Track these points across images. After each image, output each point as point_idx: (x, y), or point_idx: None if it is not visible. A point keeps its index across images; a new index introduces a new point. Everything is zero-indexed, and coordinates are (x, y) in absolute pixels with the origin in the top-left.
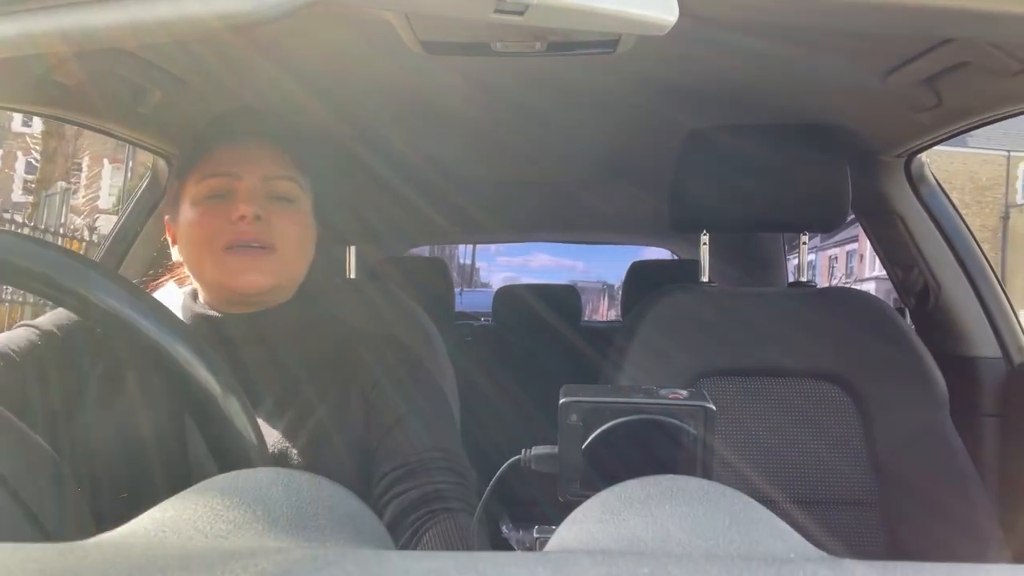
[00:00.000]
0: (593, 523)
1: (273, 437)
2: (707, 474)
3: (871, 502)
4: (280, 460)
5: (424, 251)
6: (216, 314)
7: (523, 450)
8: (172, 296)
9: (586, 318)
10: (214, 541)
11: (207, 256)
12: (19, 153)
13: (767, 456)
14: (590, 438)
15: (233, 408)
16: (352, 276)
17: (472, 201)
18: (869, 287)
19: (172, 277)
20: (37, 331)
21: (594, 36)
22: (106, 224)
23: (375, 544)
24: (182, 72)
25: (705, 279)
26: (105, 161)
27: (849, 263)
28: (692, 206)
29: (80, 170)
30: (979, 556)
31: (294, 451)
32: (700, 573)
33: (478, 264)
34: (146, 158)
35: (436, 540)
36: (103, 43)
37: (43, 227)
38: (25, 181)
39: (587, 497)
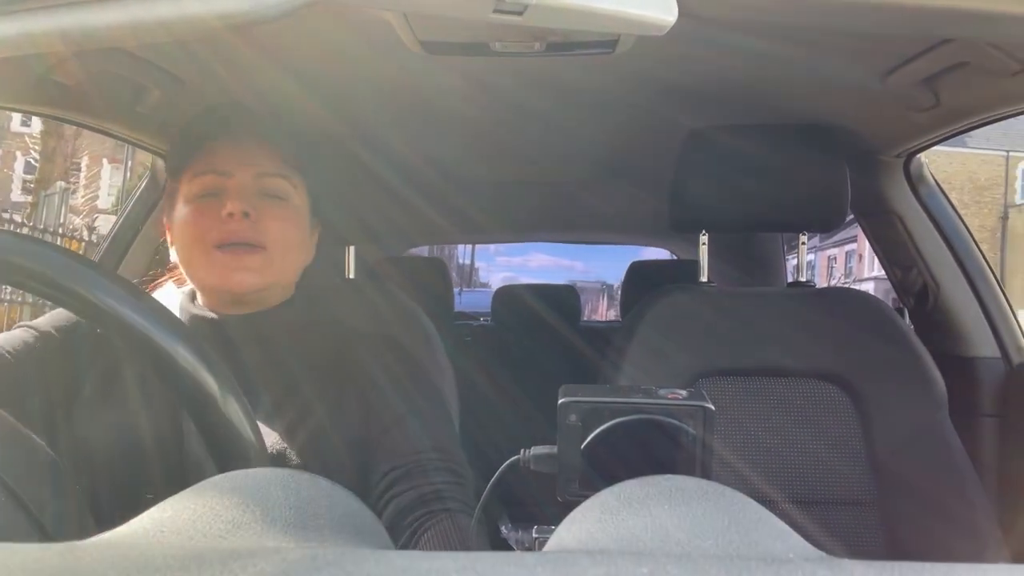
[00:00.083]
0: (592, 523)
1: (272, 437)
2: (706, 474)
3: (870, 502)
4: (279, 460)
5: (423, 251)
6: (213, 315)
7: (522, 450)
8: (170, 297)
9: (585, 318)
10: (213, 541)
11: (198, 255)
12: (18, 153)
13: (766, 456)
14: (589, 438)
15: (232, 408)
16: (351, 276)
17: (471, 201)
18: (868, 287)
19: (171, 278)
20: (35, 332)
21: (593, 36)
22: (105, 224)
23: (374, 544)
24: (181, 72)
25: (704, 279)
26: (104, 161)
27: (848, 263)
28: (692, 206)
29: (79, 170)
30: (978, 556)
31: (293, 451)
32: (699, 573)
33: (477, 264)
34: (145, 158)
35: (435, 540)
36: (102, 43)
37: (42, 227)
38: (24, 181)
39: (586, 497)
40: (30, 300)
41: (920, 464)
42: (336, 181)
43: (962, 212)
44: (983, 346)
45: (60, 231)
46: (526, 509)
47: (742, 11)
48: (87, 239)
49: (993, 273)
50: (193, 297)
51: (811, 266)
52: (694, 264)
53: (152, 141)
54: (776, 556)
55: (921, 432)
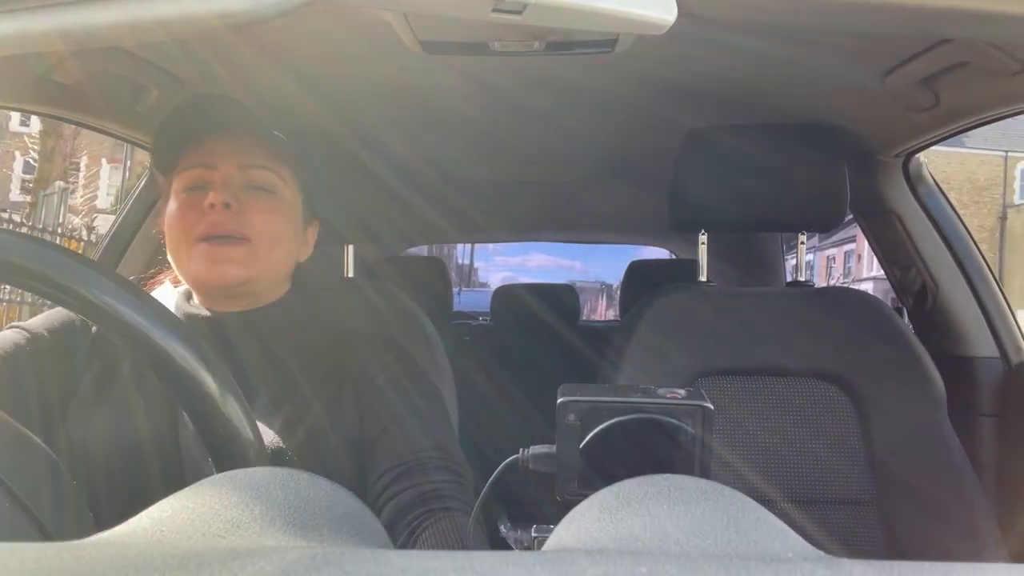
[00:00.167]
0: (591, 522)
1: (269, 435)
2: (705, 473)
3: (869, 501)
4: (276, 458)
5: (422, 250)
6: (208, 313)
7: (521, 449)
8: (167, 295)
9: (584, 318)
10: (213, 540)
11: (184, 248)
12: (17, 153)
13: (765, 455)
14: (588, 437)
15: (232, 408)
16: (350, 275)
17: (471, 201)
18: (866, 287)
19: (168, 276)
20: (26, 333)
21: (592, 35)
22: (104, 224)
23: (374, 543)
24: (180, 71)
25: (703, 279)
26: (103, 160)
27: (847, 263)
28: (691, 206)
29: (78, 170)
30: (976, 555)
31: (291, 449)
32: (698, 572)
33: (476, 264)
34: (144, 157)
35: (434, 539)
36: (101, 42)
37: (41, 227)
38: (23, 181)
39: (585, 496)
40: (29, 300)
41: (919, 464)
42: (335, 180)
43: (961, 212)
44: (982, 346)
45: (59, 231)
46: (525, 508)
47: (741, 11)
48: (86, 239)
49: (992, 273)
50: (189, 296)
51: (809, 266)
52: (693, 264)
53: (151, 141)
54: (775, 555)
55: (920, 432)
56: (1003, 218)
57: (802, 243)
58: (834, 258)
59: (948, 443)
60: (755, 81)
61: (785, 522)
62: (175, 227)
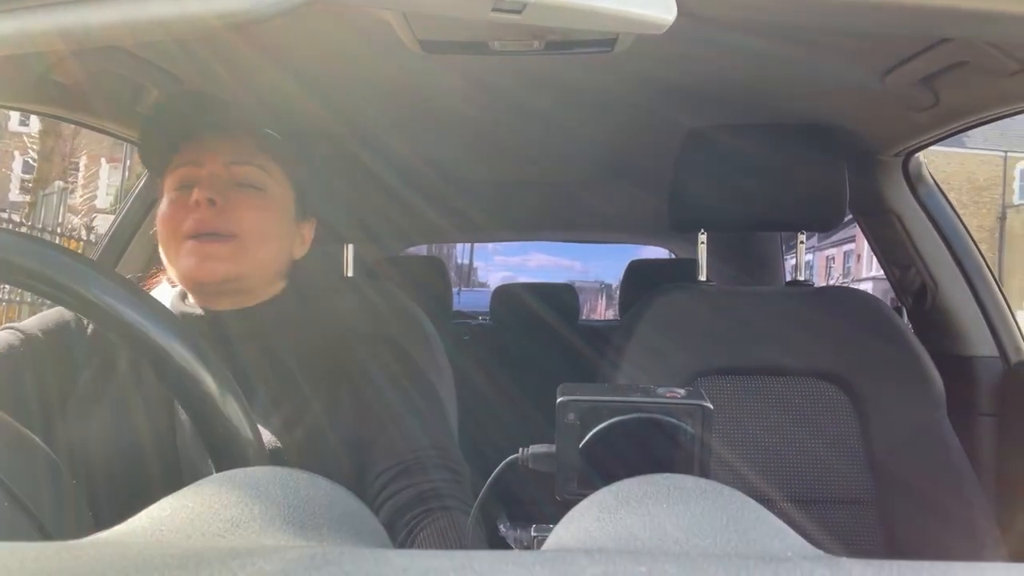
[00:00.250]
0: (590, 522)
1: (268, 434)
2: (704, 473)
3: (868, 501)
4: (275, 456)
5: (422, 250)
6: (203, 311)
7: (520, 449)
8: (164, 295)
9: (584, 317)
10: (212, 540)
11: (173, 246)
12: (16, 152)
13: (764, 455)
14: (587, 437)
15: (231, 407)
16: (349, 275)
17: (471, 201)
18: (866, 287)
19: (167, 276)
20: (20, 334)
21: (592, 35)
22: (103, 223)
23: (373, 543)
24: (180, 71)
25: (703, 278)
26: (103, 160)
27: (846, 263)
28: (691, 206)
29: (77, 169)
30: (975, 555)
31: (290, 448)
32: (697, 572)
33: (476, 263)
34: None
35: (433, 539)
36: (101, 41)
37: (40, 226)
38: (22, 180)
39: (584, 496)
40: (29, 300)
41: (918, 463)
42: (335, 180)
43: (960, 212)
44: (981, 345)
45: (58, 230)
46: (524, 508)
47: (741, 10)
48: (85, 238)
49: (991, 273)
50: (185, 295)
51: (809, 266)
52: (693, 263)
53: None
54: (774, 555)
55: (919, 431)
56: (1002, 218)
57: (801, 243)
58: (833, 258)
59: (947, 443)
60: (755, 81)
61: (784, 521)
62: (165, 225)
